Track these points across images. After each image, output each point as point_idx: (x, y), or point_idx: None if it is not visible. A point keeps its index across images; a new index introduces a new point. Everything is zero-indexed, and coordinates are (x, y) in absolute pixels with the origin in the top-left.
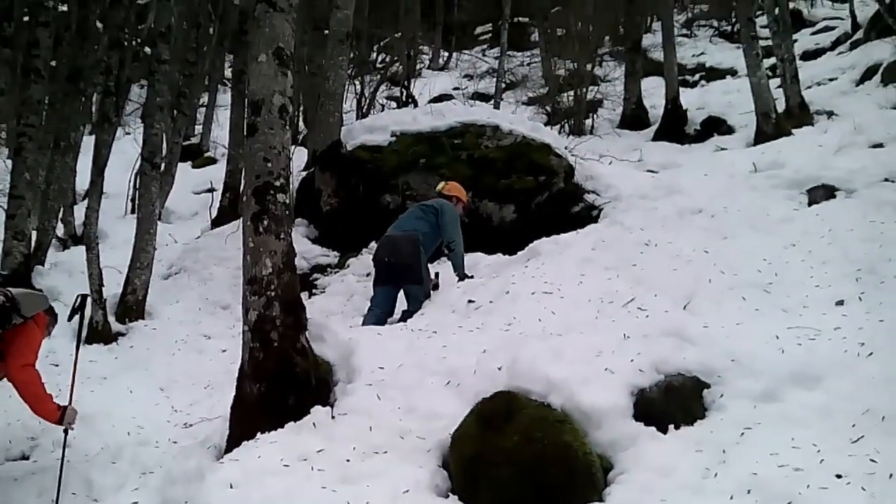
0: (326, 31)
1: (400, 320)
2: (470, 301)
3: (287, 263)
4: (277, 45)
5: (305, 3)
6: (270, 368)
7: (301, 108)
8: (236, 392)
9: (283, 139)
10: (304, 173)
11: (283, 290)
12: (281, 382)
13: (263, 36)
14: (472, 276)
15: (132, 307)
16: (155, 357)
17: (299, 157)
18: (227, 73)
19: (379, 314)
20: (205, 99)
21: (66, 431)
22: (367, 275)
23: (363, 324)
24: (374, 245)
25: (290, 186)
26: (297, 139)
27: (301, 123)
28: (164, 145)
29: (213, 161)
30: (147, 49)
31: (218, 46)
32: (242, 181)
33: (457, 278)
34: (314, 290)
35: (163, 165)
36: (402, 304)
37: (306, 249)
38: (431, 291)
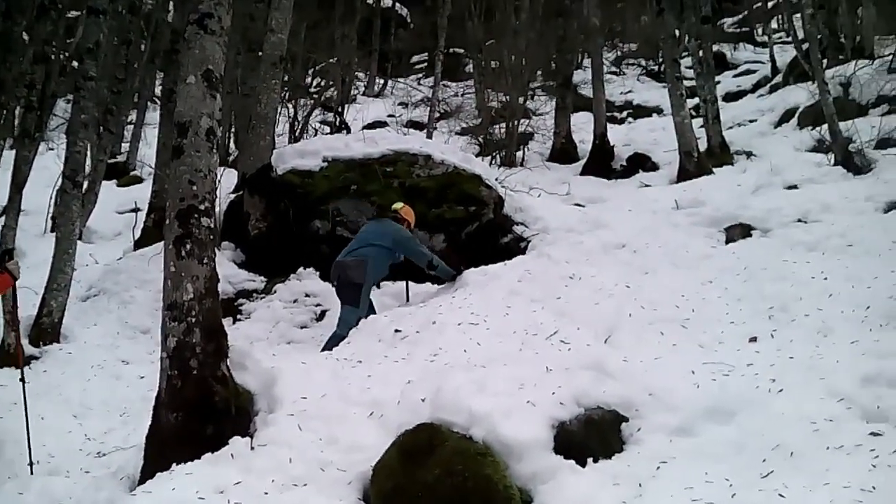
0: (260, 53)
1: (325, 347)
2: (396, 331)
3: (209, 289)
4: (207, 67)
5: (240, 25)
6: (188, 397)
7: (232, 130)
8: (152, 421)
9: (210, 162)
10: (233, 195)
11: (205, 317)
12: (199, 412)
13: (193, 58)
14: (461, 272)
15: (47, 330)
16: (69, 382)
17: (229, 178)
18: (157, 90)
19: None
20: (133, 116)
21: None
22: (294, 301)
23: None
24: (301, 271)
25: (218, 209)
26: (228, 160)
27: (232, 145)
28: (89, 163)
29: (139, 180)
30: (75, 63)
31: (149, 64)
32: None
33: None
34: (239, 316)
35: (86, 183)
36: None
37: (232, 273)
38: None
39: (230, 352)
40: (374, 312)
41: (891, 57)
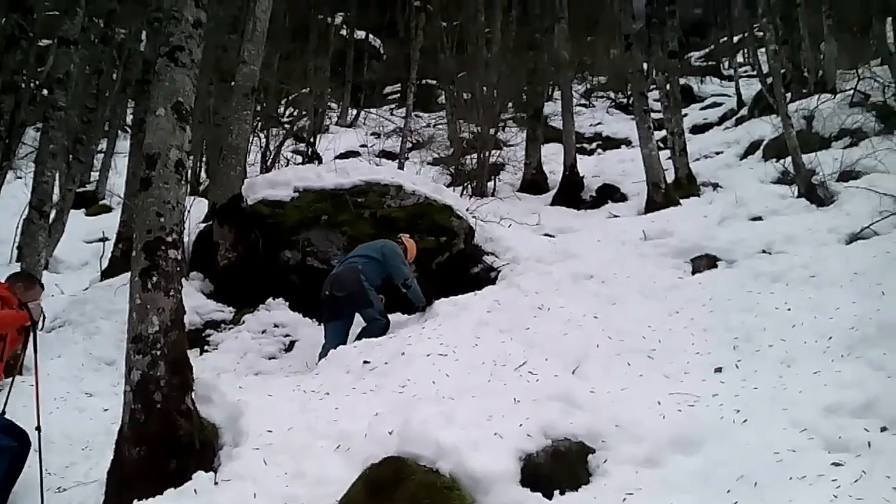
0: (233, 84)
1: (357, 338)
2: (365, 362)
3: (175, 321)
4: (177, 99)
5: (212, 55)
6: (152, 431)
7: (203, 159)
8: (115, 455)
9: (178, 194)
10: (202, 225)
11: (170, 349)
12: (162, 446)
13: (163, 90)
14: (431, 303)
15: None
16: (31, 415)
17: (199, 208)
18: (129, 119)
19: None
20: (104, 145)
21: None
22: (263, 332)
23: (319, 360)
24: (270, 301)
25: (187, 238)
26: (198, 189)
27: (203, 174)
28: (57, 192)
29: (108, 209)
30: (45, 92)
31: (120, 93)
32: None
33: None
34: (206, 347)
35: (54, 212)
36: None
37: (200, 304)
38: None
39: (195, 384)
40: (345, 343)
41: (852, 91)
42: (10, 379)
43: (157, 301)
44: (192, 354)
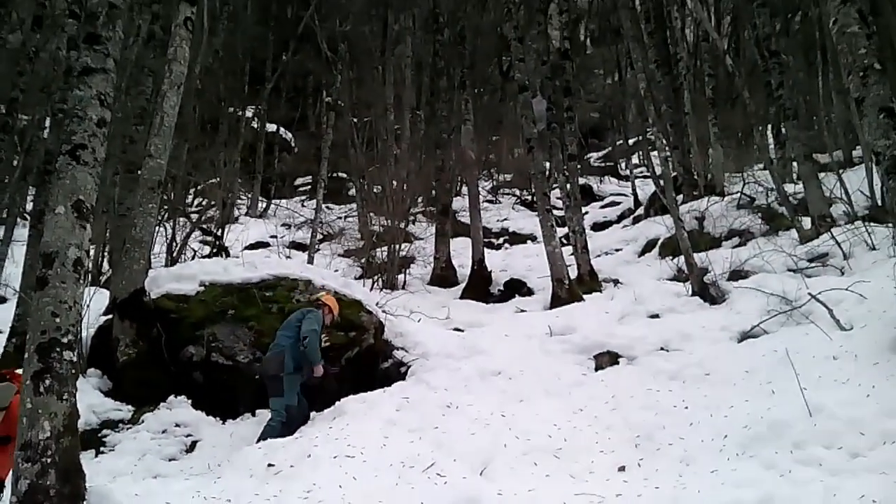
0: (139, 172)
1: (259, 438)
2: (270, 465)
3: (68, 427)
4: (78, 197)
5: (118, 145)
6: None
7: (106, 248)
8: None
9: (76, 293)
10: (102, 319)
11: (61, 457)
12: None
13: (64, 188)
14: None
15: None
16: None
17: (100, 299)
18: (29, 206)
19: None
20: (0, 233)
21: None
22: (163, 432)
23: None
24: (172, 399)
25: (85, 333)
26: (100, 280)
27: (105, 264)
28: None
29: (1, 300)
30: None
31: (20, 181)
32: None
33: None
34: (102, 448)
35: None
36: None
37: (97, 403)
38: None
39: (88, 493)
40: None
41: (739, 194)
42: None
43: (49, 406)
44: (87, 457)
